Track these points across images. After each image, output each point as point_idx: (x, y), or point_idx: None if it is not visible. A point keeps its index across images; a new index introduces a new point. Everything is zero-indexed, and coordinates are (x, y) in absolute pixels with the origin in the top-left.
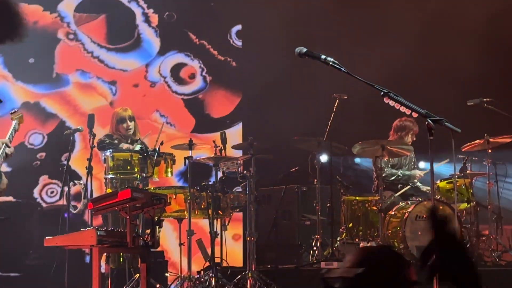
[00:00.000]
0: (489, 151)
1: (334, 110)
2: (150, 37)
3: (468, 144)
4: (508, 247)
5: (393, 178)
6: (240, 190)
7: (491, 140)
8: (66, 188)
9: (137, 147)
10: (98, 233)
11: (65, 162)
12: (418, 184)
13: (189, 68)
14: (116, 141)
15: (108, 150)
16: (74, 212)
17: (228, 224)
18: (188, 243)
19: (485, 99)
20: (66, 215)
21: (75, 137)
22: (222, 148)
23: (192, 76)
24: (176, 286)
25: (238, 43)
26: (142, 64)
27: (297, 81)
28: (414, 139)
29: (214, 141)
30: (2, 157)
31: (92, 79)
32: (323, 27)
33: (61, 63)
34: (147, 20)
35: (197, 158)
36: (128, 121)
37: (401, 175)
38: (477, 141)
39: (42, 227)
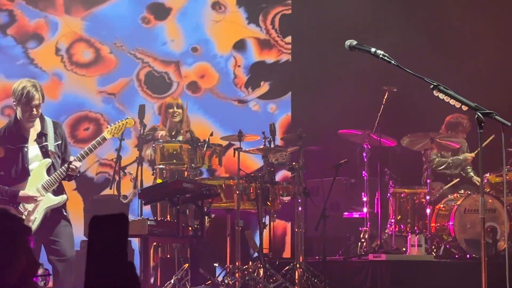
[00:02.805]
0: None
1: (384, 102)
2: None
3: None
4: None
5: (443, 166)
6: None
7: None
8: (116, 178)
9: (179, 137)
10: (149, 223)
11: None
12: (471, 174)
13: None
14: (156, 132)
15: (158, 141)
16: (125, 201)
17: (275, 216)
18: (237, 234)
19: None
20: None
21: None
22: (271, 139)
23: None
24: (225, 277)
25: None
26: None
27: (347, 72)
28: (465, 136)
29: (263, 132)
30: (59, 174)
31: None
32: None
33: None
34: None
35: (247, 149)
36: (175, 107)
37: (451, 161)
38: None
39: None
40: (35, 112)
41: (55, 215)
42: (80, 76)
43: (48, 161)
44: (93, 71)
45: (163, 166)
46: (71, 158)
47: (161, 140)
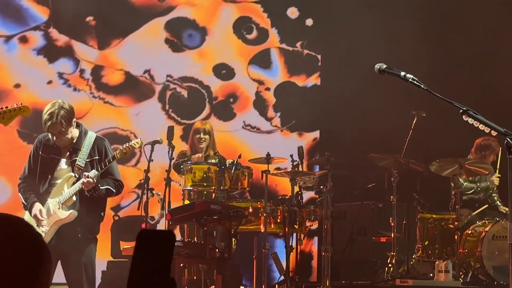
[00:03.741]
0: None
1: (412, 127)
2: None
3: None
4: None
5: (471, 192)
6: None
7: None
8: (144, 198)
9: (213, 160)
10: (176, 244)
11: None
12: (498, 203)
13: None
14: (186, 158)
15: (187, 163)
16: (152, 222)
17: (303, 239)
18: (264, 257)
19: None
20: (143, 225)
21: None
22: (299, 162)
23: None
24: None
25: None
26: None
27: (376, 96)
28: (495, 159)
29: (291, 155)
30: (73, 189)
31: None
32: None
33: None
34: None
35: (275, 172)
36: (202, 134)
37: (479, 187)
38: None
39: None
40: (59, 138)
41: (69, 237)
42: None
43: (70, 175)
44: (125, 101)
45: (191, 188)
46: (85, 175)
47: (189, 162)
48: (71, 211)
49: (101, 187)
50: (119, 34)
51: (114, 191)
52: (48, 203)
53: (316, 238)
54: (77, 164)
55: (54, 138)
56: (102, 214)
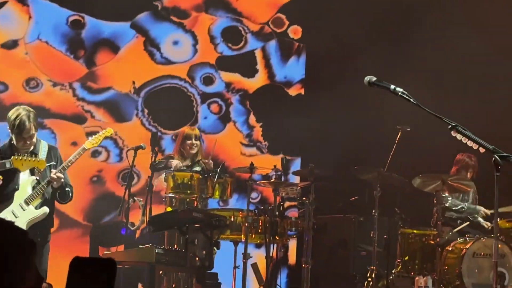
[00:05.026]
0: None
1: (397, 141)
2: None
3: None
4: None
5: (456, 208)
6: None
7: None
8: (125, 205)
9: (197, 168)
10: (157, 251)
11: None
12: (479, 219)
13: None
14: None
15: (170, 169)
16: (132, 228)
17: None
18: (244, 267)
19: None
20: (123, 231)
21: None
22: (282, 173)
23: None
24: None
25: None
26: None
27: (360, 109)
28: (474, 176)
29: (275, 166)
30: (41, 187)
31: None
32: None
33: None
34: None
35: (258, 182)
36: (194, 139)
37: (465, 207)
38: None
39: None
40: (28, 142)
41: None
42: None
43: (33, 178)
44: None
45: (174, 195)
46: (53, 171)
47: (172, 168)
48: (43, 207)
49: (65, 188)
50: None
51: (71, 195)
52: (12, 206)
53: (295, 250)
54: (37, 167)
55: (21, 146)
56: (52, 220)
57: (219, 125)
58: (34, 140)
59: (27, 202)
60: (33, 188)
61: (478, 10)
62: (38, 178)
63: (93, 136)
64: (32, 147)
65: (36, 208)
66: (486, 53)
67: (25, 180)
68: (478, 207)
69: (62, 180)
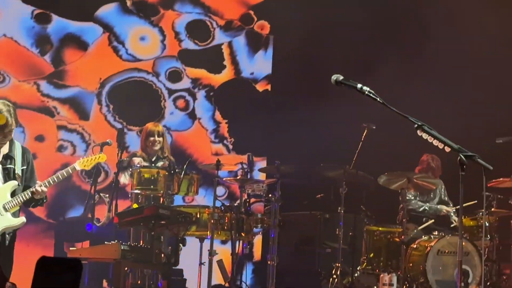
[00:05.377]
0: None
1: (362, 139)
2: None
3: (495, 180)
4: None
5: (420, 210)
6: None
7: None
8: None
9: (159, 163)
10: (122, 247)
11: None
12: (452, 215)
13: None
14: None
15: (136, 166)
16: (98, 224)
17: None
18: (209, 263)
19: None
20: (89, 228)
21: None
22: (249, 170)
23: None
24: None
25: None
26: None
27: (327, 108)
28: (437, 177)
29: (241, 163)
30: (22, 197)
31: None
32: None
33: None
34: None
35: (224, 179)
36: (156, 136)
37: (427, 208)
38: (502, 179)
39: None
40: (6, 137)
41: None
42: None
43: (14, 183)
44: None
45: (139, 192)
46: (37, 183)
47: (138, 165)
48: (21, 217)
49: (44, 200)
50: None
51: (45, 201)
52: None
53: (260, 246)
54: (17, 172)
55: (1, 138)
56: None
57: (186, 121)
58: (12, 135)
59: (5, 208)
60: (13, 193)
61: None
62: (19, 183)
63: (86, 158)
64: (7, 147)
65: (14, 215)
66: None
67: (6, 184)
68: (440, 206)
69: (46, 193)
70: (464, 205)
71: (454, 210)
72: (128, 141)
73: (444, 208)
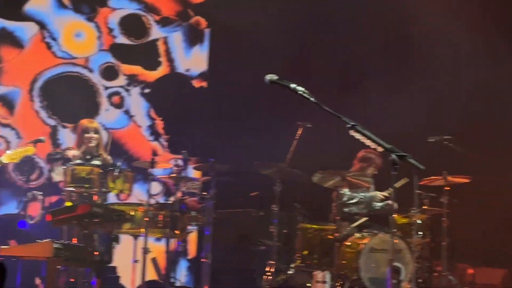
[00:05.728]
0: (447, 188)
1: (297, 137)
2: None
3: (426, 179)
4: (460, 285)
5: (355, 201)
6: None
7: (449, 178)
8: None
9: (96, 162)
10: (55, 246)
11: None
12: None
13: None
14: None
15: (69, 163)
16: (31, 222)
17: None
18: (143, 261)
19: (445, 137)
20: (21, 225)
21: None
22: (183, 168)
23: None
24: None
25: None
26: None
27: (262, 106)
28: (376, 172)
29: (176, 160)
30: None
31: None
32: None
33: None
34: None
35: (158, 177)
36: (92, 133)
37: (363, 197)
38: (434, 177)
39: None
40: None
41: None
42: None
43: None
44: None
45: (73, 189)
46: None
47: (72, 161)
48: None
49: None
50: None
51: None
52: None
53: (195, 244)
54: None
55: None
56: None
57: (122, 118)
58: None
59: None
60: None
61: None
62: None
63: (12, 150)
64: None
65: None
66: None
67: None
68: (374, 192)
69: None
70: (398, 184)
71: (390, 191)
72: (62, 138)
73: (378, 193)
